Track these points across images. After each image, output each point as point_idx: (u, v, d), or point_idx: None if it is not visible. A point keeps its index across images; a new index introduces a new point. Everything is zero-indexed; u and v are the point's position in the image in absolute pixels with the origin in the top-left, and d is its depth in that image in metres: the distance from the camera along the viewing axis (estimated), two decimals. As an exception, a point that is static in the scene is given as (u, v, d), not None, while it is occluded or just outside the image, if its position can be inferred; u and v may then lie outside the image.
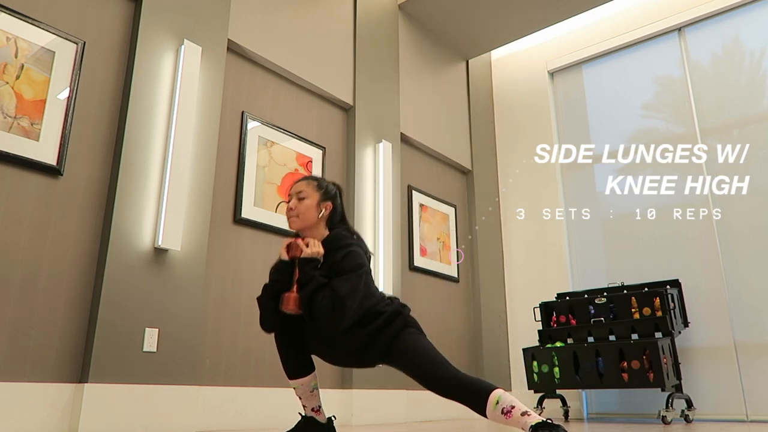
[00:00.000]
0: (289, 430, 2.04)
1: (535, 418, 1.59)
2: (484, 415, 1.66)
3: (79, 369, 2.49)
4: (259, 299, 1.98)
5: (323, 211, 2.00)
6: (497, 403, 1.63)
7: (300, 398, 2.02)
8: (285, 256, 1.94)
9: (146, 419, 2.58)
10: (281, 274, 1.94)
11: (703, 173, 4.55)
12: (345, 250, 1.90)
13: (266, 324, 1.99)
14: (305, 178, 2.07)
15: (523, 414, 1.61)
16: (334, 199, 2.04)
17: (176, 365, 2.75)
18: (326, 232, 2.01)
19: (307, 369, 2.01)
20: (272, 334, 2.08)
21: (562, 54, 5.56)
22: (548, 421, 1.58)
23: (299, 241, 1.94)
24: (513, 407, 1.62)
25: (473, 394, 1.68)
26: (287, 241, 1.97)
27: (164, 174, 2.88)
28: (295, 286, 1.89)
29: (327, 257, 1.91)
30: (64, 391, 2.42)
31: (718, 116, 4.58)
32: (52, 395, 2.38)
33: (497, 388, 1.67)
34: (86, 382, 2.43)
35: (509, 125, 5.79)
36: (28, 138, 2.49)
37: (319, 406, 2.04)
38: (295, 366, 2.00)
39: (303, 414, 2.08)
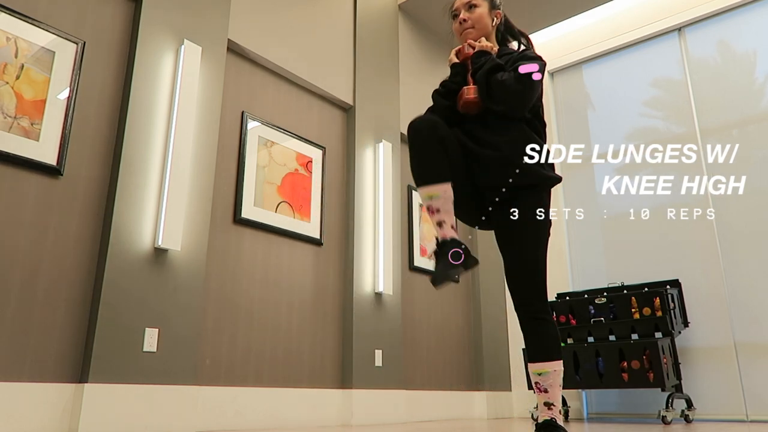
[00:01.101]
0: (458, 259, 1.64)
1: (551, 414, 1.57)
2: (531, 361, 1.64)
3: (79, 369, 2.49)
4: (433, 96, 1.80)
5: (495, 19, 1.88)
6: (540, 374, 1.60)
7: (438, 212, 1.66)
8: (455, 60, 1.82)
9: (146, 419, 2.58)
10: (454, 75, 1.80)
11: (703, 173, 4.54)
12: (524, 49, 1.81)
13: (432, 123, 1.67)
14: None
15: (546, 404, 1.59)
16: (501, 8, 1.92)
17: (176, 365, 2.75)
18: (497, 47, 1.86)
19: (448, 173, 1.66)
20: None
21: (562, 54, 5.56)
22: (554, 420, 1.57)
23: (470, 40, 1.82)
24: (546, 391, 1.59)
25: (544, 344, 1.62)
26: (455, 48, 1.85)
27: (164, 174, 2.88)
28: (470, 81, 1.75)
29: (500, 58, 1.75)
30: (64, 391, 2.42)
31: (717, 116, 4.58)
32: (52, 395, 2.38)
33: (560, 359, 1.61)
34: (86, 382, 2.43)
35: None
36: (28, 138, 2.49)
37: (455, 224, 1.72)
38: (444, 165, 1.64)
39: (440, 239, 1.67)
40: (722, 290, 4.25)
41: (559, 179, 1.73)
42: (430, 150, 1.61)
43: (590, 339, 4.06)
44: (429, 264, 4.68)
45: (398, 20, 4.90)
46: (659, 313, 3.88)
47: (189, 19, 3.19)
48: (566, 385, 3.99)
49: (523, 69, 1.62)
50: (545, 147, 1.71)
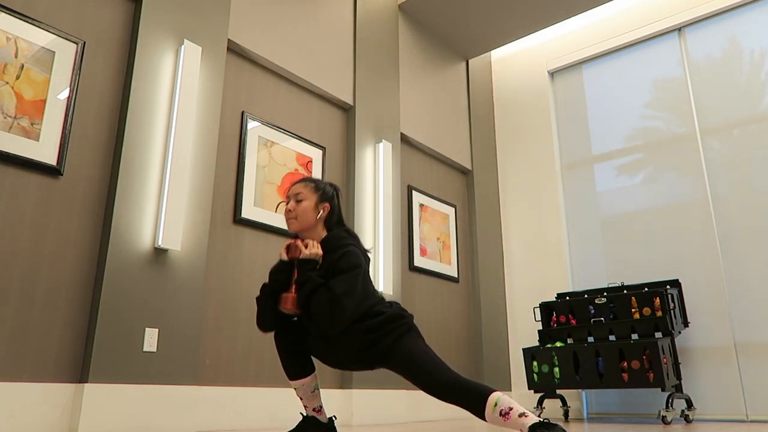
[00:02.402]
0: (290, 430, 2.04)
1: (533, 419, 1.61)
2: (483, 418, 1.68)
3: (79, 369, 2.49)
4: (258, 299, 1.99)
5: (321, 212, 2.02)
6: (495, 405, 1.65)
7: (301, 399, 2.03)
8: (285, 257, 1.97)
9: (146, 419, 2.58)
10: (280, 273, 1.96)
11: (703, 173, 4.55)
12: (342, 250, 1.91)
13: (264, 323, 1.99)
14: (302, 180, 2.08)
15: (521, 415, 1.62)
16: (332, 201, 2.06)
17: (176, 365, 2.75)
18: (324, 233, 2.03)
19: (308, 369, 2.01)
20: (272, 336, 2.09)
21: (562, 54, 5.56)
22: (545, 420, 1.59)
23: (298, 242, 1.96)
24: (511, 409, 1.63)
25: (473, 398, 1.69)
26: (287, 242, 2.00)
27: (164, 174, 2.88)
28: (293, 287, 1.91)
29: (325, 258, 1.93)
30: (64, 391, 2.42)
31: (718, 116, 4.58)
32: (52, 395, 2.38)
33: (495, 391, 1.69)
34: (86, 382, 2.43)
35: (509, 125, 5.79)
36: (28, 138, 2.49)
37: (320, 406, 2.05)
38: (296, 367, 2.00)
39: (304, 414, 2.09)
40: (722, 290, 4.25)
41: (407, 324, 1.90)
42: (285, 354, 1.99)
43: (590, 339, 4.06)
44: (429, 264, 4.68)
45: (398, 20, 4.90)
46: (659, 313, 3.89)
47: (189, 19, 3.19)
48: (566, 385, 4.00)
49: (339, 288, 1.81)
50: (379, 319, 1.88)
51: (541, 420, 1.59)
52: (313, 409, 2.03)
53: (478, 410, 1.68)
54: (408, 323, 1.90)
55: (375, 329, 1.86)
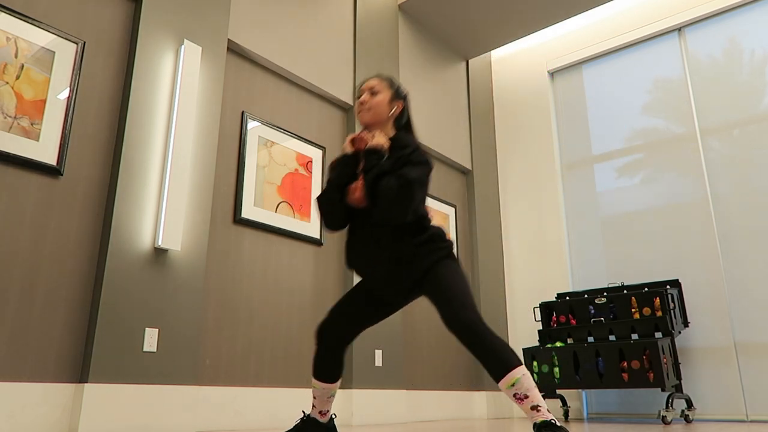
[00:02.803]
0: (289, 429, 2.02)
1: (543, 415, 1.55)
2: (497, 381, 1.61)
3: (79, 369, 2.49)
4: (320, 197, 1.90)
5: (394, 109, 1.96)
6: (513, 384, 1.57)
7: (314, 398, 1.98)
8: (349, 149, 1.90)
9: (146, 419, 2.58)
10: (345, 166, 1.89)
11: (703, 173, 4.55)
12: (413, 146, 1.87)
13: (332, 219, 1.89)
14: (377, 75, 2.04)
15: (534, 408, 1.56)
16: (405, 100, 2.01)
17: (176, 365, 2.75)
18: (392, 133, 1.97)
19: (337, 375, 1.95)
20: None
21: (562, 54, 5.56)
22: (552, 421, 1.54)
23: (364, 133, 1.92)
24: (527, 397, 1.57)
25: (495, 360, 1.59)
26: (351, 135, 1.95)
27: (164, 174, 2.88)
28: (360, 177, 1.84)
29: (392, 153, 1.85)
30: (64, 391, 2.42)
31: (718, 116, 4.58)
32: (52, 395, 2.38)
33: (521, 365, 1.60)
34: (86, 382, 2.43)
35: (509, 125, 5.79)
36: (28, 138, 2.49)
37: (328, 411, 2.00)
38: (329, 369, 1.94)
39: (306, 413, 2.04)
40: (722, 290, 4.25)
41: (447, 248, 1.83)
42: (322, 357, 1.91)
43: (590, 339, 4.06)
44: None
45: (398, 20, 4.90)
46: (659, 313, 3.89)
47: (189, 19, 3.19)
48: (566, 385, 4.00)
49: (411, 174, 1.74)
50: (427, 233, 1.83)
51: (550, 420, 1.53)
52: (320, 412, 1.98)
53: (495, 375, 1.61)
54: (451, 246, 1.84)
55: (423, 243, 1.79)
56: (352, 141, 1.91)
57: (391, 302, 1.94)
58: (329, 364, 1.93)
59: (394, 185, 1.72)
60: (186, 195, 2.94)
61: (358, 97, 1.99)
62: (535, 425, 1.54)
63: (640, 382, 3.64)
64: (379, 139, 1.86)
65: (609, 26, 5.30)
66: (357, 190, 1.81)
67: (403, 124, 2.01)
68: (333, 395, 1.98)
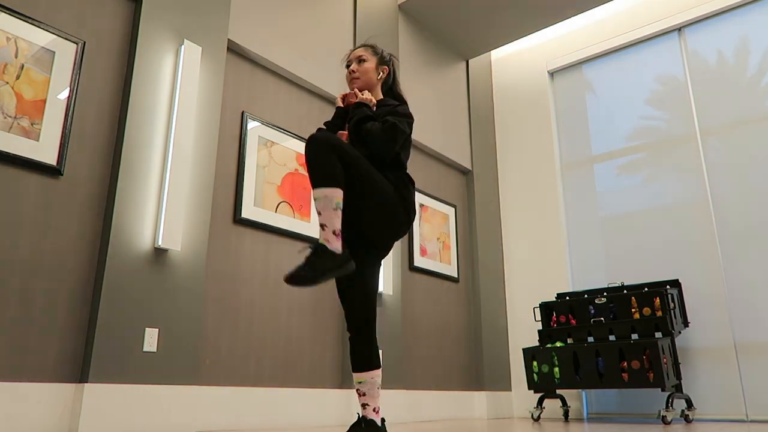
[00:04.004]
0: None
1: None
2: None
3: (79, 369, 2.49)
4: (311, 138, 1.86)
5: (381, 74, 2.18)
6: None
7: (363, 395, 1.91)
8: (340, 103, 2.11)
9: (146, 419, 2.58)
10: (336, 118, 2.11)
11: (703, 173, 4.55)
12: (398, 103, 2.08)
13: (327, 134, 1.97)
14: (362, 45, 2.23)
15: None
16: (389, 65, 2.21)
17: (176, 365, 2.75)
18: (380, 96, 2.18)
19: (378, 359, 1.95)
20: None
21: (562, 54, 5.56)
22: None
23: (355, 89, 2.11)
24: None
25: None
26: (342, 93, 2.16)
27: (164, 174, 2.88)
28: (347, 125, 2.03)
29: (378, 108, 2.04)
30: (64, 391, 2.42)
31: (718, 116, 4.58)
32: (52, 395, 2.38)
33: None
34: (86, 382, 2.43)
35: (509, 125, 5.79)
36: (28, 138, 2.49)
37: (379, 408, 1.92)
38: (366, 355, 1.94)
39: (362, 415, 1.91)
40: (722, 290, 4.25)
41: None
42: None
43: (590, 339, 4.06)
44: (429, 264, 4.68)
45: (398, 20, 4.90)
46: (659, 313, 3.89)
47: (189, 19, 3.19)
48: (566, 385, 4.00)
49: (392, 118, 1.93)
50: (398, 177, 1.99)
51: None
52: (374, 409, 1.89)
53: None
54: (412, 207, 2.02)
55: (404, 192, 1.96)
56: (343, 98, 2.12)
57: (361, 237, 2.01)
58: (364, 348, 1.97)
59: (377, 127, 1.92)
60: (186, 195, 2.94)
61: (347, 67, 2.18)
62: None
63: (640, 382, 3.64)
64: (367, 95, 2.05)
65: (609, 26, 5.30)
66: (343, 136, 2.01)
67: (390, 85, 2.22)
68: (380, 385, 1.95)
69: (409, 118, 2.02)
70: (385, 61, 2.20)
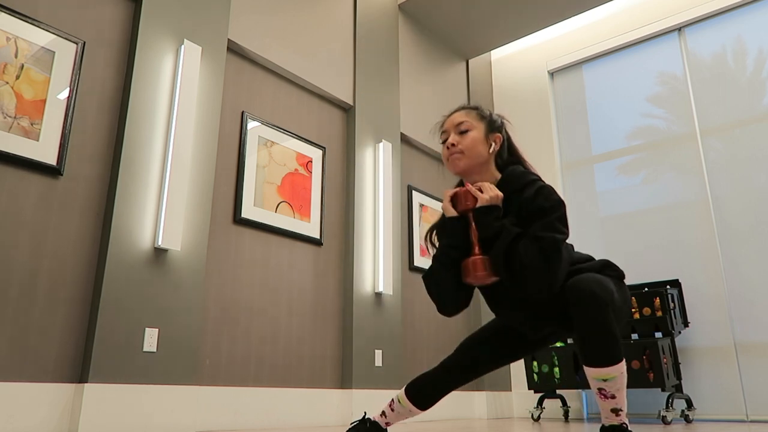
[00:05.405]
0: (348, 428, 1.80)
1: (619, 420, 1.37)
2: (586, 364, 1.37)
3: (79, 369, 2.49)
4: (427, 276, 1.57)
5: (493, 145, 1.61)
6: (605, 380, 1.34)
7: (391, 410, 1.75)
8: (452, 212, 1.52)
9: (146, 419, 2.58)
10: (453, 237, 1.51)
11: (703, 173, 4.55)
12: (534, 186, 1.49)
13: (445, 303, 1.56)
14: (462, 108, 1.65)
15: (614, 410, 1.36)
16: (502, 130, 1.66)
17: (176, 365, 2.75)
18: (497, 174, 1.61)
19: (431, 405, 1.74)
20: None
21: (562, 54, 5.56)
22: (624, 425, 1.37)
23: (469, 187, 1.51)
24: (614, 398, 1.36)
25: (603, 343, 1.34)
26: (449, 192, 1.54)
27: (164, 174, 2.88)
28: (476, 247, 1.47)
29: (508, 202, 1.50)
30: (64, 391, 2.42)
31: (718, 116, 4.58)
32: (52, 395, 2.38)
33: (623, 360, 1.36)
34: (86, 382, 2.43)
35: (509, 125, 5.78)
36: (28, 138, 2.49)
37: (391, 424, 1.80)
38: (430, 399, 1.71)
39: (369, 417, 1.80)
40: (722, 290, 4.25)
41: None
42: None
43: (590, 339, 4.06)
44: (429, 264, 4.67)
45: (398, 20, 4.90)
46: (659, 313, 3.89)
47: (189, 19, 3.19)
48: (566, 385, 4.00)
49: (549, 233, 1.37)
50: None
51: (620, 424, 1.37)
52: (386, 423, 1.78)
53: (590, 360, 1.36)
54: (617, 270, 1.57)
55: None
56: (453, 199, 1.51)
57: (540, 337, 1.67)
58: (436, 395, 1.68)
59: (536, 253, 1.36)
60: (186, 195, 2.94)
61: (443, 141, 1.61)
62: (602, 427, 1.40)
63: (640, 382, 3.64)
64: (489, 192, 1.48)
65: (609, 26, 5.30)
66: (478, 267, 1.44)
67: (505, 159, 1.65)
68: (409, 417, 1.78)
69: (561, 208, 1.43)
70: (496, 126, 1.64)
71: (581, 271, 1.48)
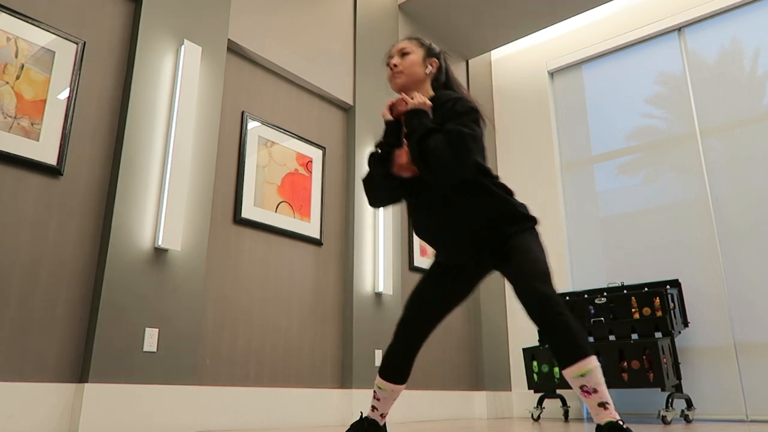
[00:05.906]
0: (347, 429, 1.85)
1: (611, 414, 1.41)
2: (562, 368, 1.46)
3: (79, 369, 2.50)
4: (364, 178, 1.76)
5: (430, 67, 1.81)
6: (583, 375, 1.42)
7: (377, 400, 1.83)
8: (389, 116, 1.77)
9: (146, 419, 2.58)
10: (387, 136, 1.75)
11: (703, 173, 4.55)
12: (455, 98, 1.67)
13: (376, 195, 1.77)
14: (406, 38, 1.87)
15: (601, 404, 1.42)
16: (439, 57, 1.84)
17: (176, 365, 2.75)
18: (432, 93, 1.80)
19: (406, 377, 1.82)
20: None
21: (562, 54, 5.56)
22: (620, 422, 1.39)
23: (402, 95, 1.76)
24: (596, 391, 1.42)
25: (567, 343, 1.45)
26: (389, 101, 1.79)
27: (164, 174, 2.88)
28: (405, 145, 1.68)
29: (435, 111, 1.68)
30: (64, 391, 2.42)
31: (718, 116, 4.58)
32: (52, 395, 2.38)
33: (594, 355, 1.45)
34: (86, 382, 2.43)
35: (509, 125, 5.79)
36: (28, 138, 2.49)
37: (386, 414, 1.85)
38: (400, 370, 1.79)
39: (364, 414, 1.87)
40: (722, 290, 4.25)
41: (533, 221, 1.68)
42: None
43: (590, 339, 4.06)
44: (429, 264, 4.67)
45: (398, 20, 4.90)
46: (659, 313, 3.89)
47: (189, 19, 3.19)
48: (566, 385, 4.00)
49: (458, 128, 1.56)
50: (503, 200, 1.66)
51: (617, 421, 1.39)
52: (381, 414, 1.84)
53: (563, 361, 1.46)
54: (534, 220, 1.69)
55: (508, 204, 1.65)
56: (390, 107, 1.77)
57: (465, 271, 1.80)
58: (403, 363, 1.79)
59: (443, 144, 1.54)
60: (186, 195, 2.95)
61: (388, 64, 1.84)
62: (599, 426, 1.41)
63: (640, 382, 3.64)
64: (418, 98, 1.70)
65: (609, 26, 5.30)
66: (402, 157, 1.66)
67: (442, 83, 1.84)
68: (396, 398, 1.85)
69: (474, 113, 1.62)
70: (433, 52, 1.83)
71: (495, 195, 1.65)
